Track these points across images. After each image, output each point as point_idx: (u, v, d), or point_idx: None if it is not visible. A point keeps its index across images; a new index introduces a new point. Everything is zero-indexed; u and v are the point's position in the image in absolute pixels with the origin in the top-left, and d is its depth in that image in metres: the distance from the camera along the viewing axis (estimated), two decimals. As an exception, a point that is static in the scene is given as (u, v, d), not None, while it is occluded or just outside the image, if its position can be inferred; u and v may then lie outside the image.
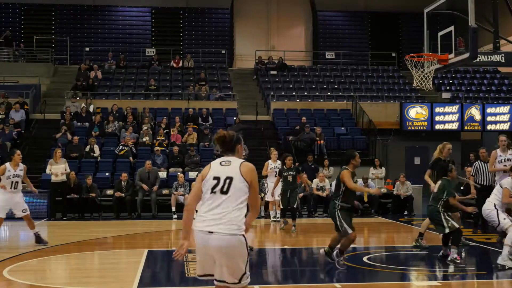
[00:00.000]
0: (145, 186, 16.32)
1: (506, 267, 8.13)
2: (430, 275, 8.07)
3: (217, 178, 4.61)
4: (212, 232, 4.47)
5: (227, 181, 4.59)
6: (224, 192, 4.56)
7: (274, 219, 14.56)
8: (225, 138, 4.87)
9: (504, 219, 8.45)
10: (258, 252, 10.52)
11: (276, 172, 14.17)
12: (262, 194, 15.23)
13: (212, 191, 4.58)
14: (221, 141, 4.87)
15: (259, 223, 15.20)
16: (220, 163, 4.72)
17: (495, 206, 8.62)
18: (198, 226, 4.56)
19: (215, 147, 19.22)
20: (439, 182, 8.96)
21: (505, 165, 10.71)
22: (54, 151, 16.15)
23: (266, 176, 14.71)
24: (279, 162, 14.43)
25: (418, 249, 9.63)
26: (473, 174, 12.35)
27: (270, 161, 14.59)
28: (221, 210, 4.53)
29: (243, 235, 4.52)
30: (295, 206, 12.96)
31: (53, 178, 15.66)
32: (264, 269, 9.10)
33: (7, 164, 10.73)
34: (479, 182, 12.10)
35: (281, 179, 13.07)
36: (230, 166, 4.68)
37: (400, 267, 8.57)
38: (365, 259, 9.11)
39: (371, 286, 7.78)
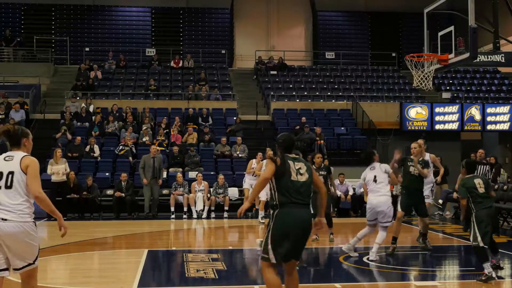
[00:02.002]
0: (145, 180, 15.94)
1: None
2: (430, 275, 8.06)
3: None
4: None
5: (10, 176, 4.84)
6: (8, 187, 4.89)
7: (262, 221, 14.12)
8: (9, 132, 5.07)
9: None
10: (258, 252, 10.51)
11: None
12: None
13: None
14: (7, 135, 5.07)
15: (258, 223, 15.20)
16: (4, 159, 5.00)
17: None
18: None
19: (215, 147, 19.24)
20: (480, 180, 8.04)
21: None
22: (54, 152, 16.13)
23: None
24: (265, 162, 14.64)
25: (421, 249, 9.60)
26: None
27: (254, 161, 14.57)
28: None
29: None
30: (330, 211, 11.32)
31: (53, 178, 15.65)
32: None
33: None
34: None
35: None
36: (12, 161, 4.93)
37: (400, 267, 8.57)
38: (365, 259, 9.10)
39: (371, 286, 7.78)
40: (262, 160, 14.81)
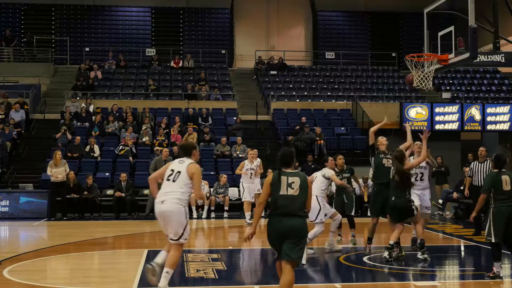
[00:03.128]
0: (160, 180, 15.75)
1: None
2: (430, 275, 8.07)
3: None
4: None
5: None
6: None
7: (250, 221, 13.76)
8: (184, 146, 7.06)
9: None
10: (258, 252, 10.52)
11: (251, 173, 14.26)
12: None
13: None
14: (182, 148, 6.99)
15: (259, 223, 15.20)
16: (178, 161, 6.83)
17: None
18: None
19: (215, 147, 19.25)
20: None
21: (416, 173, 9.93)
22: (54, 154, 16.06)
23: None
24: (257, 161, 14.83)
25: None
26: (470, 175, 12.33)
27: (246, 161, 14.52)
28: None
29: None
30: (352, 213, 10.96)
31: (53, 179, 15.65)
32: (264, 269, 9.10)
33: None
34: (475, 183, 12.06)
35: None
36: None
37: (400, 267, 8.57)
38: (365, 259, 9.11)
39: (371, 286, 7.78)
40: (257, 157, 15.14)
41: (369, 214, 9.64)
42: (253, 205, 14.25)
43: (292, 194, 5.87)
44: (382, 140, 10.05)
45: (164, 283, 6.62)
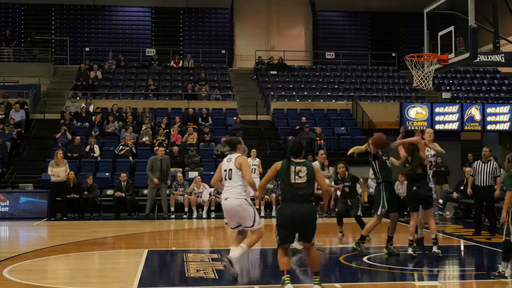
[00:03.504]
0: (156, 180, 15.77)
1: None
2: (430, 275, 8.07)
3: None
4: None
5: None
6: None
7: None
8: (229, 141, 7.59)
9: None
10: (258, 252, 10.53)
11: (254, 169, 14.47)
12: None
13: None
14: (228, 143, 7.56)
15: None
16: (226, 160, 7.41)
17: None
18: None
19: (215, 147, 19.25)
20: None
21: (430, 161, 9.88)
22: (55, 153, 16.08)
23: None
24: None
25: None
26: (473, 175, 12.30)
27: (249, 159, 14.68)
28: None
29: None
30: (358, 214, 10.91)
31: (53, 179, 15.65)
32: (264, 269, 9.10)
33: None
34: (478, 183, 12.05)
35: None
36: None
37: (400, 267, 8.57)
38: (365, 259, 9.10)
39: (371, 286, 7.78)
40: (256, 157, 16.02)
41: (377, 212, 9.39)
42: None
43: (300, 182, 6.52)
44: None
45: (236, 254, 7.25)
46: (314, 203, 6.78)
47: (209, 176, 17.23)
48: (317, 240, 10.90)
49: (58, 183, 15.67)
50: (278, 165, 6.73)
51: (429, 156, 9.89)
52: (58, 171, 15.61)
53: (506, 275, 7.40)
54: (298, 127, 20.44)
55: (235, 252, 7.26)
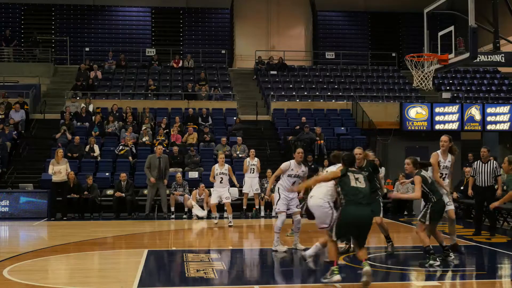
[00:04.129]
0: (152, 179, 15.73)
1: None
2: (430, 275, 8.06)
3: None
4: None
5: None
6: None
7: (216, 221, 14.13)
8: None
9: (278, 208, 9.83)
10: (258, 252, 10.53)
11: (221, 178, 14.04)
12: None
13: None
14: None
15: (258, 223, 15.21)
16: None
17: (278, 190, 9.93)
18: None
19: (215, 147, 19.25)
20: None
21: (441, 174, 9.05)
22: (55, 151, 16.12)
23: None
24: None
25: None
26: (473, 175, 12.29)
27: (217, 166, 14.29)
28: None
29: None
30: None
31: (54, 178, 15.64)
32: (264, 269, 9.10)
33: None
34: (479, 183, 12.04)
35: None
36: None
37: (400, 267, 8.57)
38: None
39: (371, 286, 7.78)
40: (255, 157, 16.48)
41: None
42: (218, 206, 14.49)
43: (360, 187, 7.25)
44: (370, 154, 9.47)
45: (310, 252, 7.97)
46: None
47: (209, 176, 17.22)
48: (318, 241, 10.91)
49: (58, 183, 15.67)
50: (338, 171, 7.49)
51: (442, 167, 9.07)
52: (59, 168, 15.59)
53: None
54: (298, 127, 20.44)
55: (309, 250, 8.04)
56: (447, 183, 9.04)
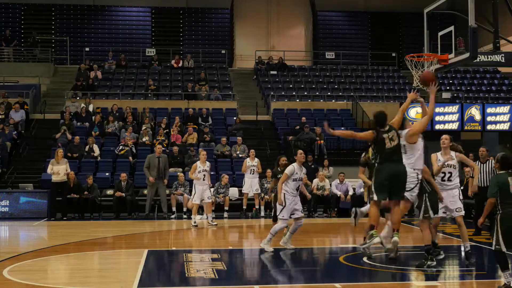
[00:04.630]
0: (151, 178, 15.70)
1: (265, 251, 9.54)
2: (430, 275, 8.06)
3: None
4: None
5: None
6: None
7: (195, 223, 13.79)
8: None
9: (283, 216, 9.76)
10: (258, 252, 10.53)
11: (204, 175, 13.73)
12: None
13: None
14: None
15: (258, 223, 15.22)
16: None
17: (284, 195, 9.79)
18: None
19: (215, 147, 19.25)
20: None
21: (444, 173, 8.88)
22: (55, 151, 16.12)
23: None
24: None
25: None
26: (472, 176, 12.27)
27: (198, 163, 14.07)
28: None
29: None
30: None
31: (54, 178, 15.64)
32: (264, 269, 9.10)
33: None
34: (479, 184, 12.02)
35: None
36: None
37: (400, 267, 8.57)
38: (365, 259, 9.10)
39: (371, 286, 7.78)
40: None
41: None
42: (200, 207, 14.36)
43: (395, 145, 7.78)
44: None
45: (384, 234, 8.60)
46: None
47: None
48: (318, 240, 10.91)
49: (58, 183, 15.67)
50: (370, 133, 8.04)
51: (446, 165, 8.85)
52: (58, 169, 15.59)
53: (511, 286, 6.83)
54: (298, 127, 20.43)
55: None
56: (454, 183, 8.81)
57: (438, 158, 8.97)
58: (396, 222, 7.99)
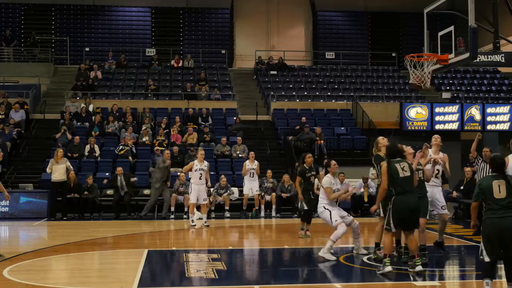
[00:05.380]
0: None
1: (326, 259, 8.99)
2: (430, 275, 8.06)
3: None
4: None
5: None
6: None
7: (193, 223, 13.79)
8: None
9: (336, 220, 9.28)
10: (257, 252, 10.53)
11: (201, 174, 13.60)
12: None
13: None
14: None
15: (258, 223, 15.22)
16: None
17: (324, 207, 9.42)
18: None
19: (215, 147, 19.25)
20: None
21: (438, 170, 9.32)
22: (55, 151, 16.11)
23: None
24: (205, 163, 14.67)
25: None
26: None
27: (196, 161, 14.00)
28: None
29: None
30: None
31: (54, 178, 15.64)
32: (264, 269, 9.10)
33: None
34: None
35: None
36: None
37: (400, 267, 8.56)
38: (365, 259, 9.10)
39: (371, 286, 7.78)
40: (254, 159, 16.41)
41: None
42: (198, 207, 14.23)
43: (408, 176, 7.83)
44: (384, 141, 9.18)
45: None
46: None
47: (209, 176, 17.25)
48: (318, 241, 10.90)
49: (58, 183, 15.66)
50: (385, 166, 7.93)
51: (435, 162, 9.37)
52: (57, 168, 15.59)
53: None
54: (298, 127, 20.44)
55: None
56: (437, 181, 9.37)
57: (429, 153, 9.34)
58: (414, 249, 8.04)
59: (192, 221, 13.85)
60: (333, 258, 9.06)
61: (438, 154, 9.36)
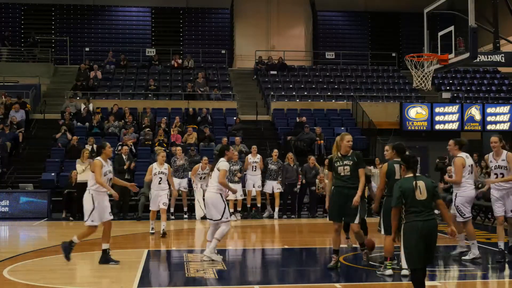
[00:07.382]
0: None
1: (210, 259, 8.80)
2: (430, 275, 8.06)
3: None
4: None
5: None
6: None
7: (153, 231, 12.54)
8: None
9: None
10: (258, 252, 10.53)
11: (160, 178, 12.12)
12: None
13: None
14: None
15: (258, 223, 15.21)
16: None
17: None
18: None
19: (215, 147, 19.24)
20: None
21: (496, 173, 8.94)
22: (82, 151, 15.66)
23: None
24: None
25: None
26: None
27: (155, 164, 12.41)
28: None
29: None
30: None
31: (80, 178, 15.25)
32: (264, 269, 9.10)
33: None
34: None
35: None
36: None
37: (400, 267, 8.55)
38: (365, 259, 9.09)
39: (371, 286, 7.78)
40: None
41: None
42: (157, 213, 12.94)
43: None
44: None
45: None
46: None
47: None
48: (318, 240, 10.90)
49: (82, 184, 15.19)
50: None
51: (494, 167, 8.96)
52: (82, 169, 15.20)
53: None
54: (295, 125, 20.46)
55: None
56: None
57: (490, 159, 9.04)
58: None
59: (152, 229, 12.63)
60: (219, 258, 8.95)
61: (499, 157, 8.86)
